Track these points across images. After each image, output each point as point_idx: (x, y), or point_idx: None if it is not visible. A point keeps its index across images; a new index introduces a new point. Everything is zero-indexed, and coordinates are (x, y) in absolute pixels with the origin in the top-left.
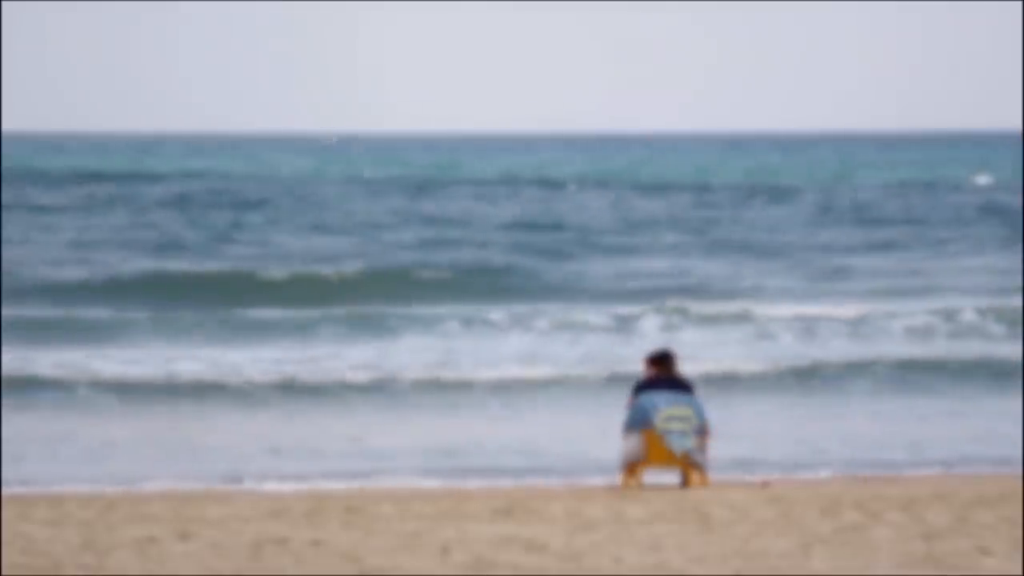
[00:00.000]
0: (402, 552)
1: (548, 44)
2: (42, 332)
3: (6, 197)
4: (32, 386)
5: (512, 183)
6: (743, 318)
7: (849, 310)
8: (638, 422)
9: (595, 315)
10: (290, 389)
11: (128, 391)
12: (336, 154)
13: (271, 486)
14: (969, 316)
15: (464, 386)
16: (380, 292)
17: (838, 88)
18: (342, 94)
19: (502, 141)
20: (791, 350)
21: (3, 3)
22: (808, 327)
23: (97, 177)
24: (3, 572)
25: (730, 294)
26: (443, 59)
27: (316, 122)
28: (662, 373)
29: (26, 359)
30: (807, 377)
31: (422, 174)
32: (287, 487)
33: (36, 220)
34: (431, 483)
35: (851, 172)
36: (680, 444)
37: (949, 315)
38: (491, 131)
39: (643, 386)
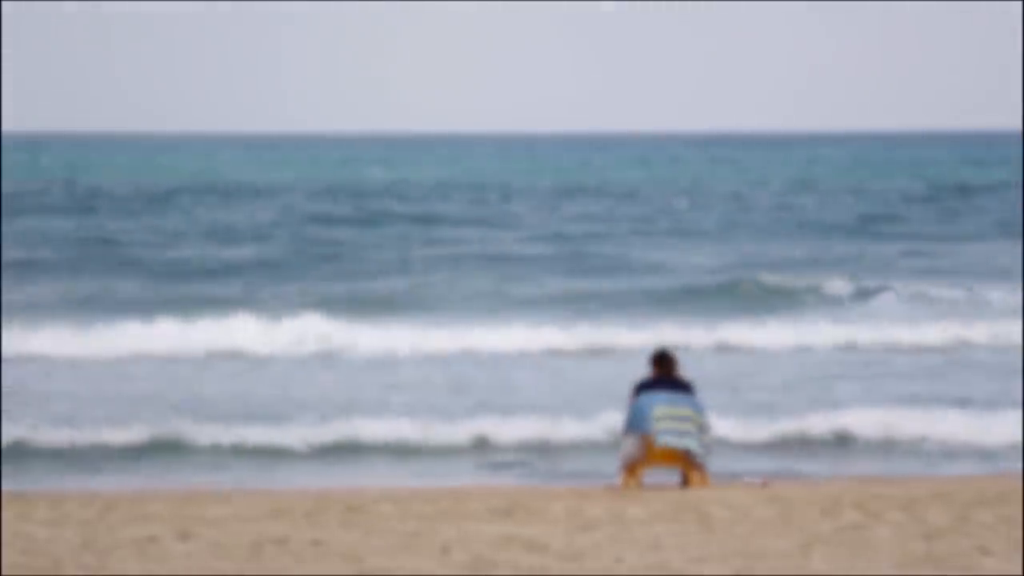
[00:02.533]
0: (402, 552)
1: (541, 43)
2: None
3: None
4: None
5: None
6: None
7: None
8: (636, 423)
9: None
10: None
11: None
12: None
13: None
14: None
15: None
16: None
17: (833, 88)
18: (340, 95)
19: (500, 141)
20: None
21: (3, 3)
22: None
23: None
24: (3, 572)
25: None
26: (437, 58)
27: (316, 123)
28: (662, 374)
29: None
30: None
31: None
32: (288, 486)
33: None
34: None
35: (887, 173)
36: (677, 442)
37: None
38: (484, 131)
39: (643, 386)
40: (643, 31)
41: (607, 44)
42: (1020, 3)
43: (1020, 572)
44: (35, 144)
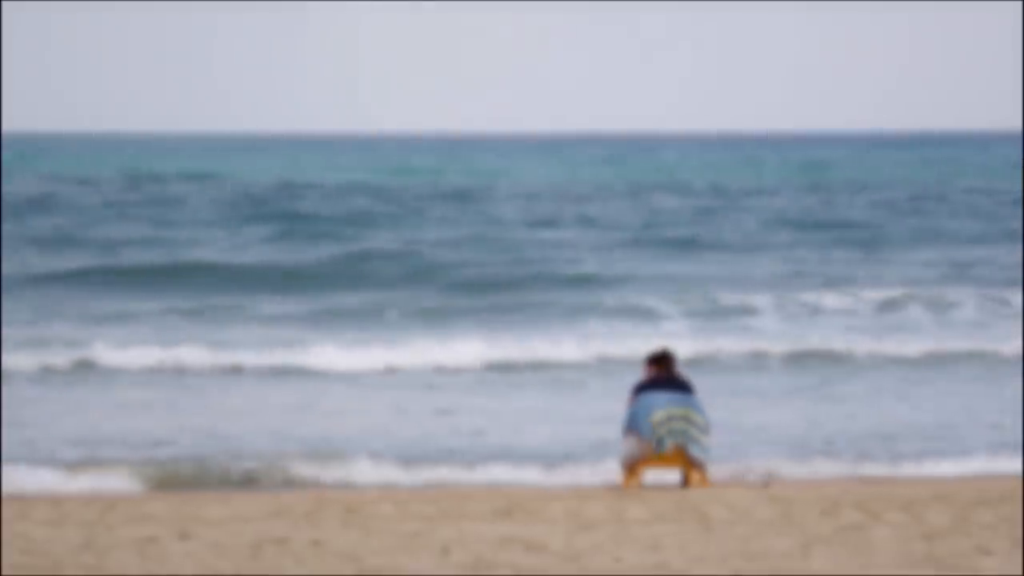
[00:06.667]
0: (402, 552)
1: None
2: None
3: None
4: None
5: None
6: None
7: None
8: (636, 423)
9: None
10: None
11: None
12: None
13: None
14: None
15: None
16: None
17: (829, 88)
18: (338, 95)
19: (496, 142)
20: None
21: (3, 3)
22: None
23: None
24: (3, 572)
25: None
26: (428, 59)
27: (315, 123)
28: (662, 373)
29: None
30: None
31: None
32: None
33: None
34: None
35: (932, 173)
36: (680, 443)
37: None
38: (477, 132)
39: (643, 387)
40: (637, 32)
41: (606, 45)
42: (1020, 3)
43: (1020, 572)
44: (54, 144)
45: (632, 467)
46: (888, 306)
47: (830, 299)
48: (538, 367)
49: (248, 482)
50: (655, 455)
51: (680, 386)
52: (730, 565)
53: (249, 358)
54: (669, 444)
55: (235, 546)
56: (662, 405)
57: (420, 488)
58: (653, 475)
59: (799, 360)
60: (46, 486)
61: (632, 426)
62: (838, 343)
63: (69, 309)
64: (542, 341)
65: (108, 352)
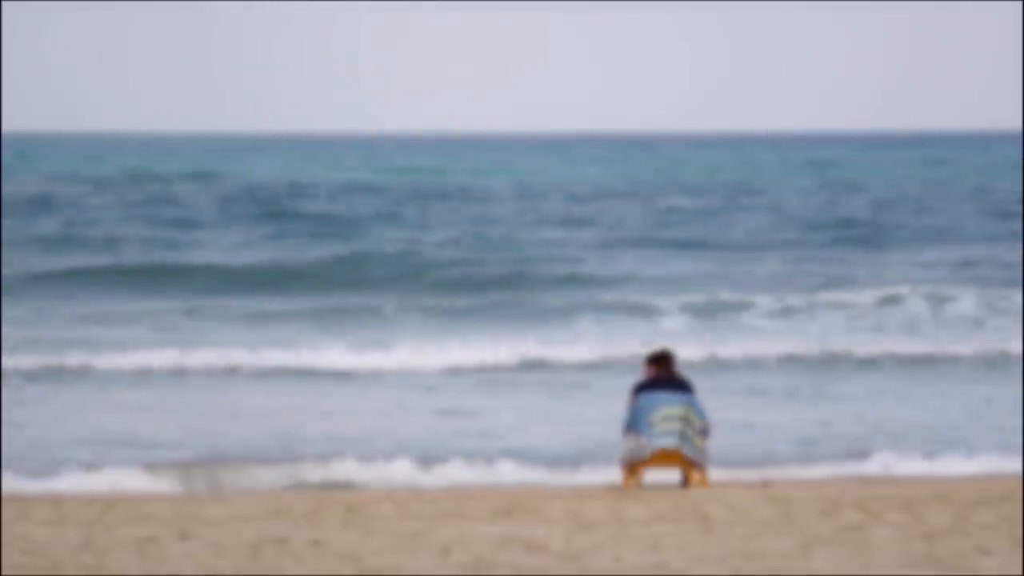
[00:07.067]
0: (402, 552)
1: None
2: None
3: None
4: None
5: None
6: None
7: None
8: (636, 423)
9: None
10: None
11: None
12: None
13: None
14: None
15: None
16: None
17: (829, 88)
18: (338, 95)
19: (496, 143)
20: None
21: (3, 3)
22: None
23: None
24: (3, 572)
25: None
26: (425, 60)
27: (314, 123)
28: (662, 373)
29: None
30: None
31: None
32: (288, 486)
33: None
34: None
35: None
36: (678, 444)
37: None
38: (473, 132)
39: (643, 386)
40: (637, 32)
41: (606, 45)
42: (1020, 2)
43: (1020, 572)
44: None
45: (632, 467)
46: (889, 305)
47: (830, 298)
48: (539, 367)
49: (248, 482)
50: (655, 454)
51: (680, 386)
52: (730, 565)
53: (249, 358)
54: (656, 445)
55: (235, 546)
56: (662, 404)
57: (422, 488)
58: (653, 475)
59: (799, 360)
60: (46, 486)
61: (632, 426)
62: (838, 343)
63: (69, 309)
64: (543, 341)
65: (108, 352)
